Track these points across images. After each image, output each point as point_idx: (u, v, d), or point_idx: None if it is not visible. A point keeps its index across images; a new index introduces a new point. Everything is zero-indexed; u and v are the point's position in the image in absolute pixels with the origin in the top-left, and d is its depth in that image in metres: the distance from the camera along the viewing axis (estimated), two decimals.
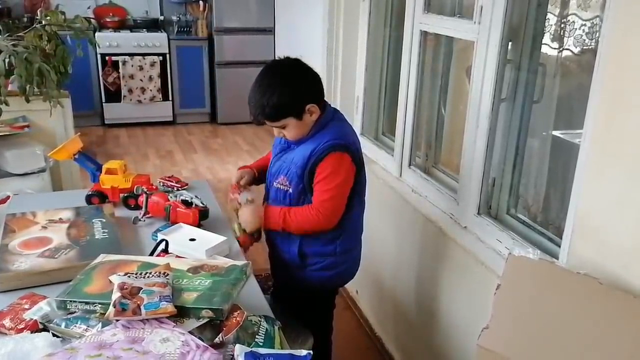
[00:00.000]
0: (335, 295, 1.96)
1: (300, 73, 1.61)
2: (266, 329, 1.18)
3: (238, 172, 1.81)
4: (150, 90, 5.58)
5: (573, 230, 1.30)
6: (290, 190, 1.65)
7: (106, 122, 5.62)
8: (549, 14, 1.65)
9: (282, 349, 1.17)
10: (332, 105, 1.73)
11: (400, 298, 2.29)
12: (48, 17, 2.37)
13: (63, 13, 2.45)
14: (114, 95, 5.51)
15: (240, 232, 1.69)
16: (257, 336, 1.15)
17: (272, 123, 1.60)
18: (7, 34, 2.37)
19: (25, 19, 5.00)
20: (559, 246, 1.47)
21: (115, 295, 1.12)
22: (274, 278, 1.92)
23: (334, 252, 1.71)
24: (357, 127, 2.69)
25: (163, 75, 5.59)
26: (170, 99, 5.74)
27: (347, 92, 2.71)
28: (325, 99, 1.68)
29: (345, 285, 2.80)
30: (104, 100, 5.52)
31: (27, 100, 2.25)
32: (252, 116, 1.60)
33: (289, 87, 1.56)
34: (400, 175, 2.29)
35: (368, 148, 2.61)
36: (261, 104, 1.55)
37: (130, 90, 5.52)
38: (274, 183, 1.70)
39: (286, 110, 1.56)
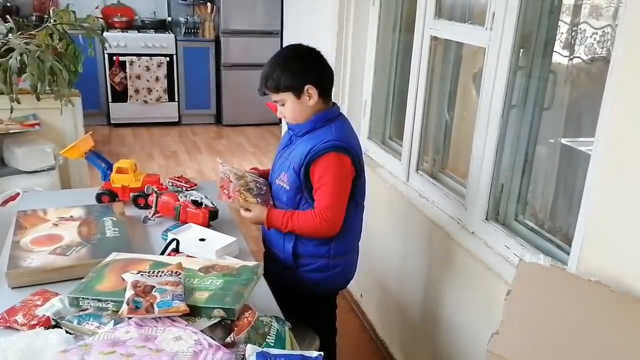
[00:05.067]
0: (334, 297, 1.95)
1: (310, 57, 1.68)
2: (277, 330, 1.19)
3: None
4: (157, 90, 5.60)
5: (583, 237, 1.31)
6: (287, 187, 1.67)
7: (112, 121, 5.63)
8: (560, 21, 1.66)
9: (292, 350, 1.17)
10: (340, 110, 1.75)
11: (406, 302, 2.30)
12: (59, 16, 2.39)
13: (74, 12, 2.47)
14: (121, 95, 5.53)
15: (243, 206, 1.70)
16: (268, 337, 1.16)
17: (272, 95, 1.66)
18: (19, 33, 2.39)
19: (34, 18, 5.04)
20: (567, 253, 1.48)
21: (129, 293, 1.13)
22: (267, 278, 1.92)
23: (327, 255, 1.72)
24: (364, 131, 2.70)
25: (169, 76, 5.61)
26: (176, 99, 5.75)
27: (355, 96, 2.72)
28: (333, 99, 1.72)
29: (350, 289, 2.82)
30: (110, 99, 5.54)
31: (38, 99, 2.27)
32: (259, 85, 1.68)
33: (295, 64, 1.64)
34: (408, 179, 2.30)
35: (375, 152, 2.62)
36: (266, 75, 1.64)
37: (136, 91, 5.54)
38: (276, 180, 1.71)
39: (286, 84, 1.61)
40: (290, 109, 1.64)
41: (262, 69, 1.65)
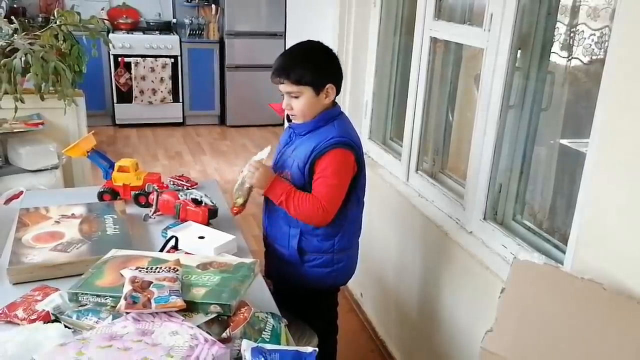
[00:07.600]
0: (336, 293, 1.97)
1: (332, 56, 1.70)
2: (273, 326, 1.20)
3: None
4: (161, 91, 5.64)
5: (578, 237, 1.32)
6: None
7: (117, 122, 5.67)
8: (558, 23, 1.67)
9: (288, 345, 1.19)
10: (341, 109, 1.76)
11: (404, 301, 2.31)
12: (63, 17, 2.42)
13: (79, 13, 2.50)
14: (126, 96, 5.57)
15: (239, 202, 1.74)
16: (263, 332, 1.17)
17: (291, 86, 1.61)
18: (24, 33, 2.42)
19: (40, 19, 5.09)
20: (564, 253, 1.48)
21: (127, 288, 1.15)
22: (269, 277, 1.93)
23: (331, 249, 1.74)
24: (365, 132, 2.71)
25: (174, 77, 5.65)
26: (181, 100, 5.79)
27: (356, 97, 2.74)
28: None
29: (350, 288, 2.83)
30: (115, 100, 5.58)
31: (42, 98, 2.29)
32: (275, 73, 1.63)
33: (319, 61, 1.65)
34: (407, 179, 2.31)
35: (375, 152, 2.63)
36: (290, 64, 1.62)
37: (141, 91, 5.58)
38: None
39: (307, 78, 1.61)
40: (304, 103, 1.63)
41: (280, 58, 1.64)
